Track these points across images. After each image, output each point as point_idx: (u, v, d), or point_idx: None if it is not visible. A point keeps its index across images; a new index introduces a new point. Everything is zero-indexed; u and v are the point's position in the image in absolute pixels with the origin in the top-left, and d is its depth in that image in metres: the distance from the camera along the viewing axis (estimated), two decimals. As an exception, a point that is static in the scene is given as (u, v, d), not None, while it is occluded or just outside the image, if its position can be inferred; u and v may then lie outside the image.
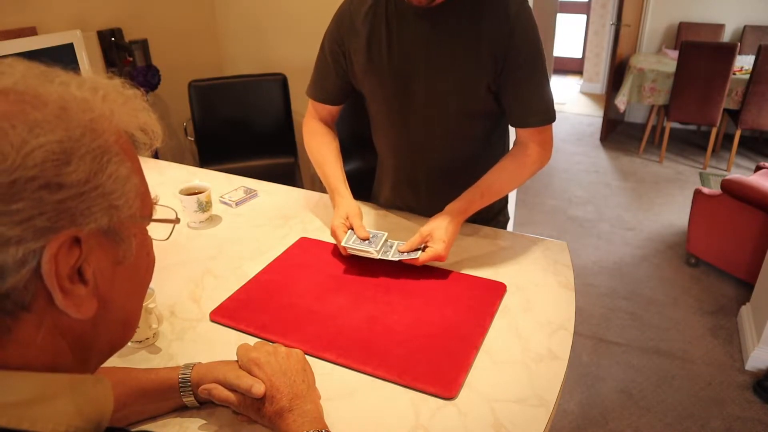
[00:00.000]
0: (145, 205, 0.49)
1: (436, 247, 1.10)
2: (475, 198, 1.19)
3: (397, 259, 1.12)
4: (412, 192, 1.38)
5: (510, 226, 1.52)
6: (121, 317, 0.49)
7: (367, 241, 1.14)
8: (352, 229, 1.16)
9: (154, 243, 0.53)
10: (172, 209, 0.56)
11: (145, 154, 0.50)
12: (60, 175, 0.38)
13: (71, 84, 0.43)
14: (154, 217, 0.51)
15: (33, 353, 0.41)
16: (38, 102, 0.40)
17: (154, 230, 0.53)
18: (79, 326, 0.44)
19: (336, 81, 1.29)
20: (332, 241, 1.26)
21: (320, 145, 1.34)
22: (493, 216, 1.41)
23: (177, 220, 0.55)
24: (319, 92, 1.33)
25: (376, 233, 1.17)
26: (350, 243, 1.14)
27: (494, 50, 1.11)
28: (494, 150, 1.32)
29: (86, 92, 0.43)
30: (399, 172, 1.37)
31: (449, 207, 1.18)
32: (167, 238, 0.57)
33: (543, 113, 1.19)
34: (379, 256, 1.13)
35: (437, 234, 1.12)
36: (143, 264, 0.50)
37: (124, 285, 0.47)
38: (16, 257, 0.37)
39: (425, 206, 1.37)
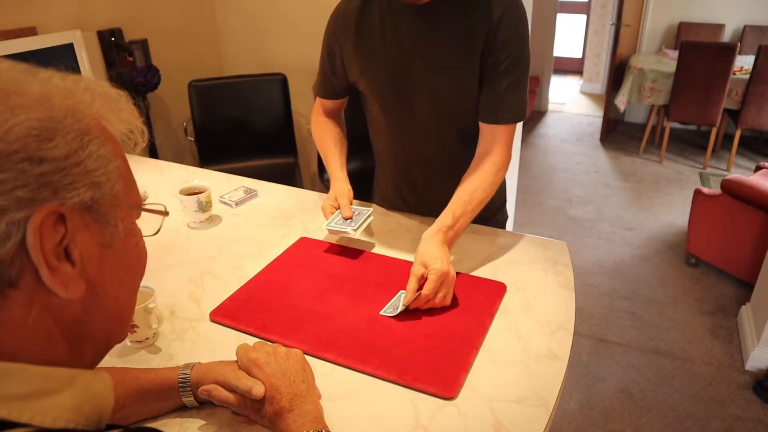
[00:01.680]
0: (131, 192, 0.50)
1: (435, 267, 0.99)
2: (447, 221, 1.11)
3: (403, 308, 1.00)
4: (410, 191, 1.39)
5: (510, 226, 1.52)
6: (114, 308, 0.49)
7: (348, 220, 1.19)
8: (340, 210, 1.22)
9: (152, 242, 0.54)
10: (162, 204, 0.57)
11: (136, 152, 0.51)
12: (41, 150, 0.40)
13: (54, 77, 0.46)
14: (144, 211, 0.51)
15: (24, 337, 0.41)
16: (21, 89, 0.42)
17: (144, 226, 0.53)
18: (69, 309, 0.44)
19: (334, 79, 1.32)
20: (332, 240, 1.27)
21: (322, 133, 1.38)
22: (492, 215, 1.41)
23: (166, 213, 0.56)
24: (322, 89, 1.37)
25: (361, 210, 1.23)
26: (332, 224, 1.19)
27: (482, 45, 1.12)
28: None
29: (68, 83, 0.46)
30: (397, 171, 1.38)
31: (424, 234, 1.10)
32: (156, 233, 0.57)
33: (515, 111, 1.17)
34: (357, 236, 1.18)
35: (426, 258, 1.02)
36: (133, 252, 0.51)
37: (114, 271, 0.48)
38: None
39: (425, 204, 1.38)
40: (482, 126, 1.20)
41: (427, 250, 1.04)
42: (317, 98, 1.40)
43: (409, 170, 1.35)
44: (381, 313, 1.01)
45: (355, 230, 1.18)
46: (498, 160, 1.18)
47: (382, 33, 1.17)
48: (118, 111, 0.49)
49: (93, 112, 0.46)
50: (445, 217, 1.12)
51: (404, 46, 1.16)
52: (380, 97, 1.25)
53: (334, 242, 1.26)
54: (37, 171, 0.40)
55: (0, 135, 0.39)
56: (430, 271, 1.00)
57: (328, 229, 1.20)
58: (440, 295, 1.00)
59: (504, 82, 1.14)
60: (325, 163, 1.36)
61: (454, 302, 1.04)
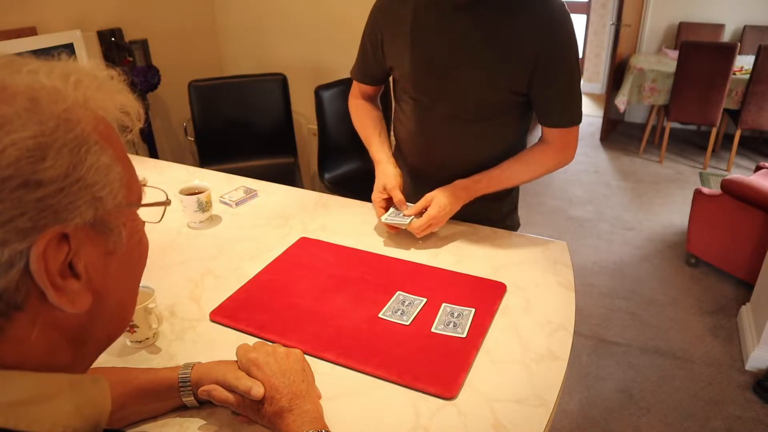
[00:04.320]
0: (132, 191, 0.47)
1: (430, 211, 1.18)
2: (481, 179, 1.24)
3: (393, 220, 1.21)
4: (425, 185, 1.37)
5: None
6: (117, 309, 0.48)
7: (401, 214, 1.23)
8: (394, 205, 1.26)
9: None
10: (162, 190, 0.55)
11: (130, 136, 0.48)
12: (37, 172, 0.37)
13: (40, 72, 0.41)
14: (144, 201, 0.49)
15: (27, 350, 0.41)
16: (6, 95, 0.38)
17: (145, 213, 0.51)
18: (75, 320, 0.43)
19: (374, 65, 1.35)
20: (332, 240, 1.27)
21: (362, 117, 1.42)
22: (500, 219, 1.40)
23: (168, 202, 0.54)
24: (360, 74, 1.41)
25: (409, 205, 1.26)
26: (387, 218, 1.23)
27: (527, 51, 1.12)
28: (513, 153, 1.32)
29: (56, 80, 0.42)
30: (417, 166, 1.38)
31: (455, 181, 1.24)
32: (159, 220, 0.55)
33: (570, 114, 1.21)
34: (394, 221, 1.23)
35: (436, 200, 1.20)
36: (136, 252, 0.49)
37: (118, 275, 0.46)
38: (2, 259, 0.37)
39: None
40: (543, 128, 1.25)
41: (444, 193, 1.22)
42: (354, 82, 1.44)
43: (428, 165, 1.35)
44: (383, 219, 1.22)
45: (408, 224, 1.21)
46: (552, 151, 1.25)
47: (424, 23, 1.18)
48: (112, 96, 0.45)
49: (89, 114, 0.42)
50: (483, 175, 1.25)
51: (444, 38, 1.16)
52: (414, 86, 1.26)
53: (336, 242, 1.26)
54: (35, 196, 0.37)
55: None
56: (428, 211, 1.19)
57: (385, 222, 1.22)
58: (421, 224, 1.19)
59: (558, 87, 1.18)
60: (366, 145, 1.38)
61: (455, 302, 1.04)
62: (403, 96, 1.32)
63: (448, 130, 1.27)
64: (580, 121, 1.22)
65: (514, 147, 1.32)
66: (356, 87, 1.45)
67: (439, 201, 1.20)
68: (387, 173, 1.27)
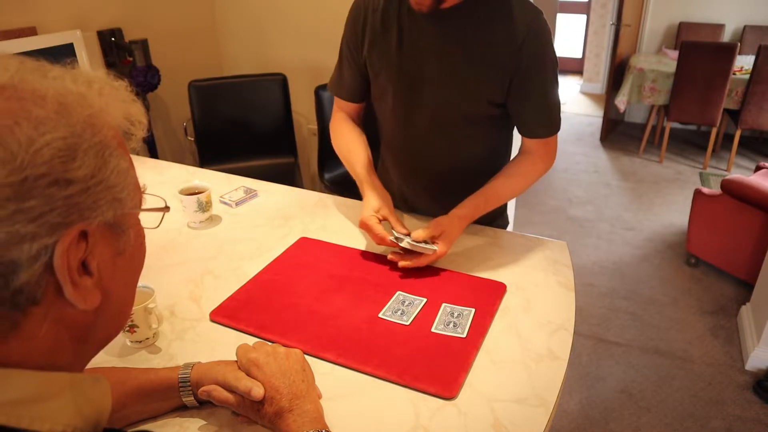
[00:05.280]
0: (138, 194, 0.50)
1: (441, 248, 1.12)
2: (479, 203, 1.21)
3: (408, 245, 1.11)
4: (413, 194, 1.38)
5: (510, 226, 1.52)
6: (118, 309, 0.50)
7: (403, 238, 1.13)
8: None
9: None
10: (161, 197, 0.57)
11: (133, 145, 0.51)
12: (68, 171, 0.39)
13: (66, 78, 0.44)
14: (144, 207, 0.51)
15: (33, 347, 0.42)
16: (36, 97, 0.40)
17: (144, 219, 0.53)
18: (81, 317, 0.44)
19: (355, 76, 1.28)
20: (332, 240, 1.26)
21: (345, 139, 1.32)
22: (490, 222, 1.40)
23: (167, 209, 0.56)
24: (339, 89, 1.33)
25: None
26: (399, 237, 1.13)
27: (503, 63, 1.11)
28: (497, 157, 1.32)
29: (81, 87, 0.44)
30: (400, 173, 1.37)
31: (455, 211, 1.18)
32: (157, 226, 0.57)
33: (550, 125, 1.21)
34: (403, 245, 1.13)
35: (445, 235, 1.14)
36: (138, 254, 0.51)
37: (123, 276, 0.48)
38: (30, 253, 0.38)
39: (426, 208, 1.37)
40: (523, 139, 1.25)
41: (452, 229, 1.15)
42: (335, 102, 1.36)
43: (412, 173, 1.34)
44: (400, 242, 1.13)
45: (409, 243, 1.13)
46: (538, 162, 1.25)
47: (399, 34, 1.16)
48: (125, 104, 0.48)
49: (109, 122, 0.45)
50: (478, 198, 1.21)
51: (418, 50, 1.15)
52: (393, 96, 1.23)
53: (336, 242, 1.26)
54: (65, 194, 0.39)
55: (27, 159, 0.37)
56: (435, 243, 1.12)
57: (392, 241, 1.13)
58: (421, 260, 1.13)
59: (535, 99, 1.17)
60: (350, 168, 1.29)
61: (455, 302, 1.04)
62: (385, 107, 1.28)
63: (428, 137, 1.25)
64: (558, 129, 1.22)
65: (498, 150, 1.32)
66: (337, 106, 1.36)
67: (450, 236, 1.15)
68: (379, 197, 1.20)
